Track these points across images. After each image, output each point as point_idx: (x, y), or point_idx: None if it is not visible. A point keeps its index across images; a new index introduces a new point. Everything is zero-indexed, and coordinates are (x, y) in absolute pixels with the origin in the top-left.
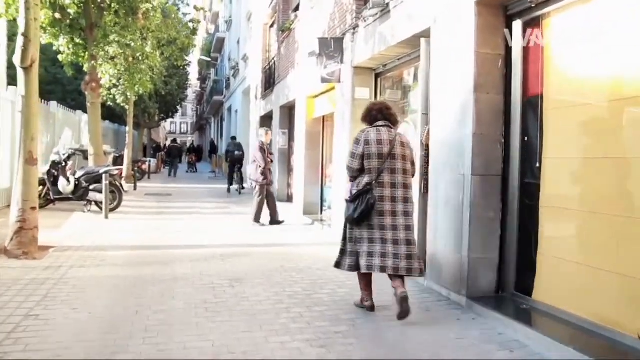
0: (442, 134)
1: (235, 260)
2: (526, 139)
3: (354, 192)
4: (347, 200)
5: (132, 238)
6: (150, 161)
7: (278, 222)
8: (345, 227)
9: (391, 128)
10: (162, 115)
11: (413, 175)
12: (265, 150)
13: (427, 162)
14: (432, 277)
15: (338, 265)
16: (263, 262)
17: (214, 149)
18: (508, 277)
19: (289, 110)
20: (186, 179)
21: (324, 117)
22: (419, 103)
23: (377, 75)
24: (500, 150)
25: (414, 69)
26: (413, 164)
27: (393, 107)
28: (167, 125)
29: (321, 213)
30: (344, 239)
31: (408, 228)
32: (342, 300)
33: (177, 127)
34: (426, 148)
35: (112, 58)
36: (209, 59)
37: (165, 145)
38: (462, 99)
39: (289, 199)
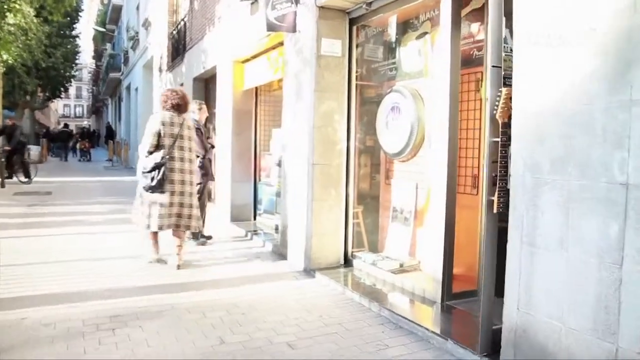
0: (550, 101)
1: (137, 332)
2: None
3: (150, 165)
4: (143, 172)
5: None
6: (30, 149)
7: (205, 238)
8: (140, 194)
9: (179, 114)
10: (48, 94)
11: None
12: (202, 132)
13: (505, 155)
14: None
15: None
16: (188, 332)
17: (111, 134)
18: None
19: (205, 83)
20: (77, 170)
21: (257, 88)
22: (487, 50)
23: (351, 22)
24: None
25: (421, 6)
26: (196, 143)
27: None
28: (59, 108)
29: (255, 219)
30: (141, 204)
31: (191, 195)
32: None
33: (71, 110)
34: (504, 129)
35: None
36: (103, 29)
37: (47, 129)
38: (619, 27)
39: (209, 198)
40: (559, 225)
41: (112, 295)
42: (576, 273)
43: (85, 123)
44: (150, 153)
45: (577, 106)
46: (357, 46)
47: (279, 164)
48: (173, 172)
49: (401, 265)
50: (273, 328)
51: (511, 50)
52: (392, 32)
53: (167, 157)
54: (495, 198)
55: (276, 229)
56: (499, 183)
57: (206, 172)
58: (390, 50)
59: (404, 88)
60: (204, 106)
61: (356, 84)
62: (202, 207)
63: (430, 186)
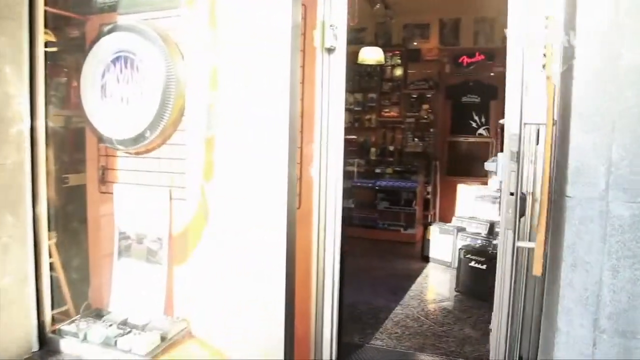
0: None
1: None
2: None
3: None
4: None
5: None
6: None
7: None
8: None
9: None
10: None
11: None
12: None
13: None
14: None
15: None
16: None
17: None
18: None
19: None
20: None
21: None
22: None
23: None
24: None
25: None
26: None
27: None
28: None
29: None
30: None
31: None
32: None
33: None
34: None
35: None
36: None
37: None
38: None
39: None
40: None
41: None
42: None
43: None
44: None
45: None
46: None
47: None
48: None
49: (164, 339)
50: None
51: None
52: None
53: None
54: (536, 246)
55: None
56: (540, 211)
57: None
58: None
59: (146, 26)
60: None
61: (46, 12)
62: None
63: (204, 197)
